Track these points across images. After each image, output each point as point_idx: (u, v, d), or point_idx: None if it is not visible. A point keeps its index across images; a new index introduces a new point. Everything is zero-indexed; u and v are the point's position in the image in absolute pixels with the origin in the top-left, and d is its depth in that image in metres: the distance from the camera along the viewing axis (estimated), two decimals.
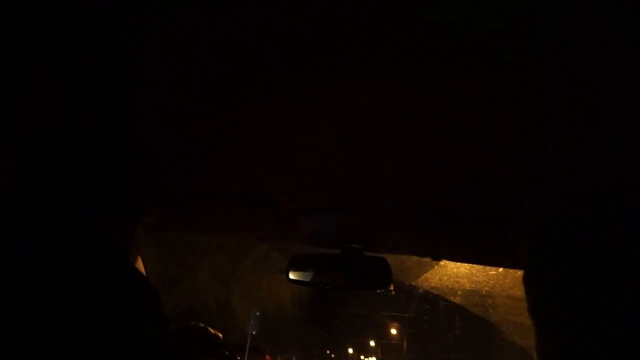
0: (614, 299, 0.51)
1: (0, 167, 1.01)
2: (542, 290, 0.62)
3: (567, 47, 0.69)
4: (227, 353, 1.26)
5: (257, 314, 10.72)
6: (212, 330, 1.27)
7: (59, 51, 0.84)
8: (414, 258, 1.86)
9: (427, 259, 1.86)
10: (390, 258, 1.71)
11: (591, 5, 0.61)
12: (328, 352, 13.36)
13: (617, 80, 0.75)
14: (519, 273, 0.86)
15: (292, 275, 1.76)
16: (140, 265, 0.97)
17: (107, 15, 0.74)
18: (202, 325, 1.27)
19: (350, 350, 13.29)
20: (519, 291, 0.80)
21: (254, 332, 10.19)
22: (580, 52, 0.70)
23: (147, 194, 0.95)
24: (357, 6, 0.67)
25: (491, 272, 4.12)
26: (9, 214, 0.82)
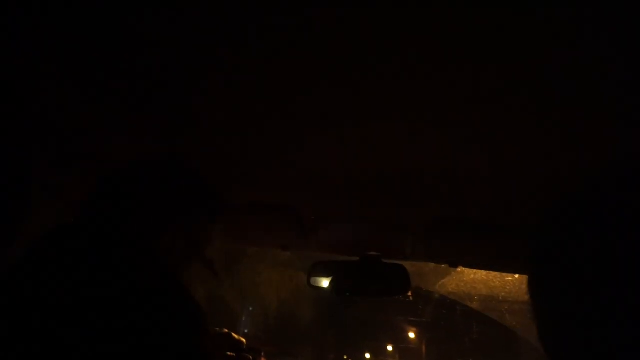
0: (613, 303, 0.52)
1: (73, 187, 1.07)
2: (544, 295, 0.63)
3: (574, 50, 0.70)
4: (251, 358, 1.27)
5: (250, 309, 10.35)
6: (235, 336, 1.28)
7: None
8: (431, 265, 1.87)
9: (444, 266, 1.87)
10: (407, 265, 1.73)
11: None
12: (345, 357, 13.19)
13: (622, 83, 0.76)
14: None
15: (313, 282, 1.80)
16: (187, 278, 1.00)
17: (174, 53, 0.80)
18: (226, 330, 1.28)
19: (368, 355, 13.10)
20: None
21: (246, 331, 9.87)
22: (588, 54, 0.70)
23: (194, 209, 0.99)
24: (378, 39, 0.72)
25: (507, 278, 4.10)
26: (76, 225, 0.88)
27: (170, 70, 0.86)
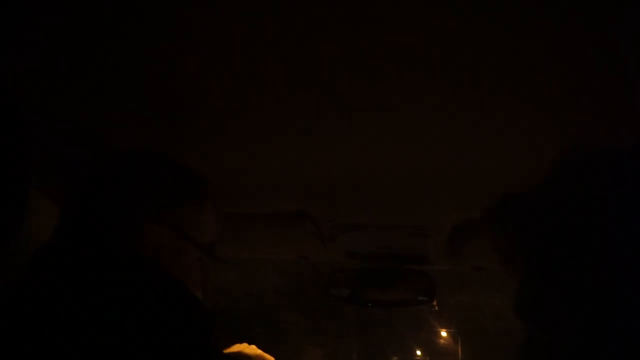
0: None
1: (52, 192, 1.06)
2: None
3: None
4: None
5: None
6: (265, 355, 1.22)
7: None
8: (457, 270, 1.83)
9: (470, 271, 1.83)
10: (432, 271, 1.69)
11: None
12: None
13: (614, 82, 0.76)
14: None
15: (332, 292, 1.75)
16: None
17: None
18: (253, 347, 1.22)
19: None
20: None
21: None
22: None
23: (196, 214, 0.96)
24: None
25: None
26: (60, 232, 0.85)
27: (187, 82, 0.86)
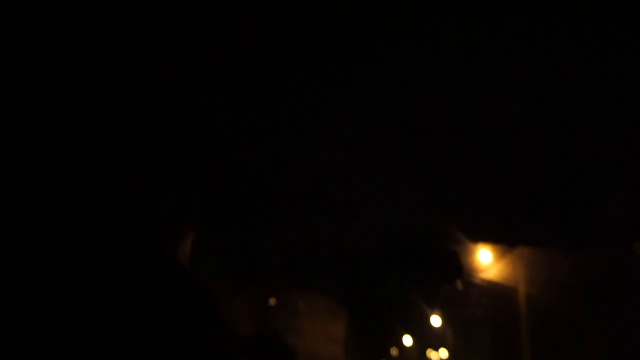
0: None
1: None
2: None
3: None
4: None
5: None
6: (285, 344, 1.20)
7: None
8: (484, 246, 1.80)
9: (499, 248, 1.79)
10: (458, 248, 1.60)
11: None
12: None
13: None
14: None
15: (353, 274, 1.68)
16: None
17: None
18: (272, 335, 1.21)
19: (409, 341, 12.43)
20: None
21: None
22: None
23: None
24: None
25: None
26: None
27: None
